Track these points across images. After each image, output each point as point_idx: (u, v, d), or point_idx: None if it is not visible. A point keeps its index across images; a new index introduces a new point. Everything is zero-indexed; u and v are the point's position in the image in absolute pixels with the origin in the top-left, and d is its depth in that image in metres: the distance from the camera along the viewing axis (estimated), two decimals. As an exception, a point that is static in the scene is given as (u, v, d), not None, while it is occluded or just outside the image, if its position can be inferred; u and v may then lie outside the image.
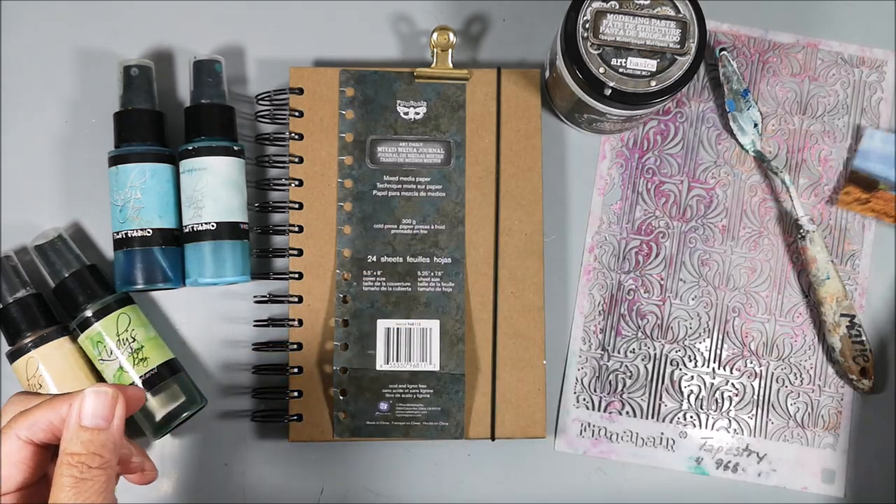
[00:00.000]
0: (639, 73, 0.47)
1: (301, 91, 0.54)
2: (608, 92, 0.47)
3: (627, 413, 0.55)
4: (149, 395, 0.50)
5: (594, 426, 0.55)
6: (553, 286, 0.55)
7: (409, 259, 0.53)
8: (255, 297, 0.53)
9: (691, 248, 0.56)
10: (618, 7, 0.47)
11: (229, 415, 0.54)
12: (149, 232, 0.50)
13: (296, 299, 0.52)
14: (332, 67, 0.54)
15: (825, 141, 0.57)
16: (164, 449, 0.53)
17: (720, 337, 0.55)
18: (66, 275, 0.50)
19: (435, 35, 0.53)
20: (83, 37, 0.56)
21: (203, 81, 0.52)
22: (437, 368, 0.52)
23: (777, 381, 0.55)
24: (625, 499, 0.54)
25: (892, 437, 0.55)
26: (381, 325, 0.52)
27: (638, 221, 0.56)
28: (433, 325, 0.52)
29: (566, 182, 0.56)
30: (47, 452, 0.38)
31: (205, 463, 0.54)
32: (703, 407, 0.55)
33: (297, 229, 0.53)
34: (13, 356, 0.50)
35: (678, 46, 0.47)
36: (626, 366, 0.55)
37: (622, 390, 0.55)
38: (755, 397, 0.55)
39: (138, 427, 0.51)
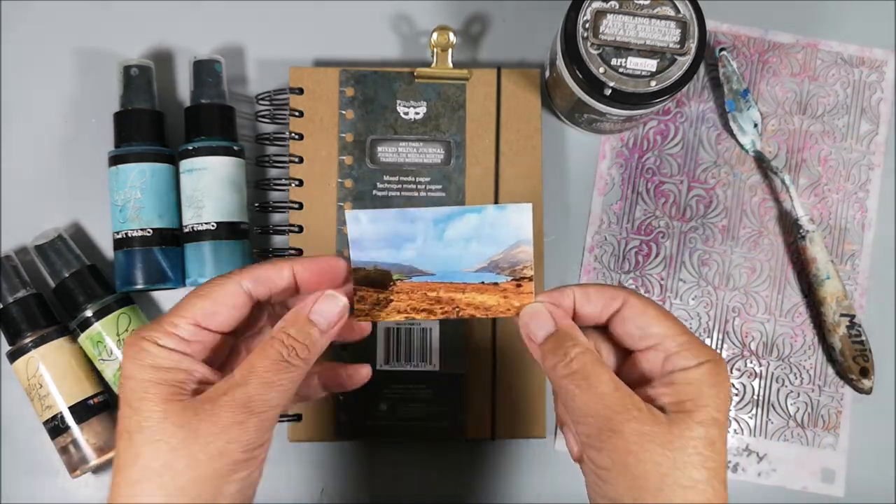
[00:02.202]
0: (639, 73, 0.47)
1: (301, 91, 0.54)
2: (608, 92, 0.47)
3: (627, 413, 0.55)
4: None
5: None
6: (553, 286, 0.55)
7: (409, 259, 0.53)
8: (255, 297, 0.53)
9: (691, 248, 0.56)
10: (618, 7, 0.47)
11: (229, 415, 0.54)
12: (149, 232, 0.50)
13: (296, 299, 0.52)
14: (332, 67, 0.54)
15: (825, 141, 0.57)
16: (164, 449, 0.53)
17: (720, 337, 0.55)
18: (67, 275, 0.50)
19: (435, 35, 0.53)
20: (83, 37, 0.56)
21: (203, 81, 0.52)
22: (437, 368, 0.52)
23: (777, 381, 0.55)
24: (625, 499, 0.54)
25: (892, 437, 0.55)
26: (382, 325, 0.52)
27: (638, 221, 0.56)
28: (433, 326, 0.52)
29: (566, 182, 0.56)
30: (255, 313, 0.38)
31: (205, 463, 0.54)
32: (703, 407, 0.55)
33: (297, 229, 0.53)
34: (13, 356, 0.50)
35: (678, 46, 0.47)
36: (626, 366, 0.55)
37: (622, 390, 0.55)
38: (755, 397, 0.55)
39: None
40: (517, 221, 0.36)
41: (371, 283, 0.37)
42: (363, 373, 0.42)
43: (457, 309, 0.38)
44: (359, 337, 0.40)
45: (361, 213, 0.36)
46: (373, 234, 0.36)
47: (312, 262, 0.38)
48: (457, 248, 0.37)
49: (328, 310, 0.36)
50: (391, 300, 0.37)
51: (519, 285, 0.37)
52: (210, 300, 0.35)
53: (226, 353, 0.38)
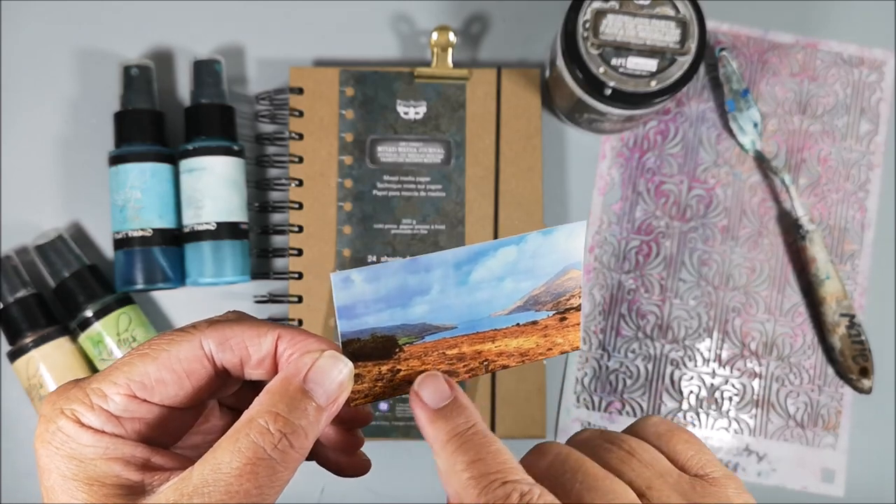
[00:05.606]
0: (639, 72, 0.47)
1: (301, 91, 0.54)
2: (608, 92, 0.47)
3: (628, 413, 0.55)
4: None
5: (594, 426, 0.55)
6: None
7: (409, 259, 0.53)
8: (255, 297, 0.53)
9: (691, 247, 0.56)
10: (618, 7, 0.47)
11: (229, 415, 0.54)
12: (149, 232, 0.50)
13: (296, 299, 0.52)
14: (332, 67, 0.54)
15: (825, 141, 0.57)
16: (164, 449, 0.53)
17: (720, 337, 0.55)
18: (67, 275, 0.50)
19: (435, 35, 0.53)
20: (83, 37, 0.56)
21: (203, 81, 0.52)
22: (437, 368, 0.52)
23: (777, 381, 0.55)
24: (625, 499, 0.54)
25: (892, 437, 0.55)
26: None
27: (638, 221, 0.56)
28: (433, 325, 0.52)
29: (566, 182, 0.56)
30: (212, 385, 0.28)
31: (205, 463, 0.54)
32: (703, 407, 0.55)
33: (297, 229, 0.53)
34: (14, 356, 0.50)
35: (678, 46, 0.47)
36: (626, 366, 0.55)
37: (622, 390, 0.55)
38: (755, 397, 0.55)
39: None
40: (567, 245, 0.29)
41: (369, 355, 0.28)
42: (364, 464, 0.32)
43: (486, 363, 0.31)
44: (360, 426, 0.31)
45: (354, 272, 0.26)
46: (371, 296, 0.27)
47: (306, 340, 0.28)
48: (486, 291, 0.29)
49: (330, 377, 0.26)
50: (399, 370, 0.29)
51: (563, 318, 0.30)
52: (155, 363, 0.26)
53: (187, 423, 0.29)
